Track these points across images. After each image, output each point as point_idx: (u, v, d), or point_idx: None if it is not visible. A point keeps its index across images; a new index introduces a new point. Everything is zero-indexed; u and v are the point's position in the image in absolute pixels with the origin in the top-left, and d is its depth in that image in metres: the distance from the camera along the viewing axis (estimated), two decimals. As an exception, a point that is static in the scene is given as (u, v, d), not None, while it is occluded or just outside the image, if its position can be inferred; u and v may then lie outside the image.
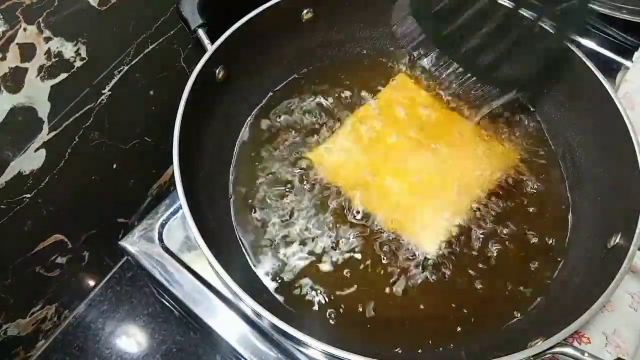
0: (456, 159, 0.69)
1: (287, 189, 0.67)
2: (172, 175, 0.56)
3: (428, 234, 0.64)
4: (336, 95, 0.74)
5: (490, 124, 0.72)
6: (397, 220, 0.64)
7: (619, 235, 0.56)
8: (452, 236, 0.64)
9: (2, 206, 0.73)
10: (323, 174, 0.67)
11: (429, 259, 0.62)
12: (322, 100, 0.73)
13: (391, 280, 0.61)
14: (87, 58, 0.72)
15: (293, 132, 0.71)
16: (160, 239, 0.69)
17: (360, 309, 0.60)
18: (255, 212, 0.65)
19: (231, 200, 0.66)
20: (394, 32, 0.68)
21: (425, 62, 0.69)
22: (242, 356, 0.64)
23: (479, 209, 0.66)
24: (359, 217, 0.65)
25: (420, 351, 0.58)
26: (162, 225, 0.70)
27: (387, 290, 0.61)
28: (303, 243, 0.63)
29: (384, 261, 0.62)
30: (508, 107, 0.73)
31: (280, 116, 0.72)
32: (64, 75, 0.70)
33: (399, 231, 0.64)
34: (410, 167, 0.68)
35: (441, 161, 0.69)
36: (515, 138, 0.72)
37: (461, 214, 0.65)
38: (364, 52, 0.78)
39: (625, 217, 0.56)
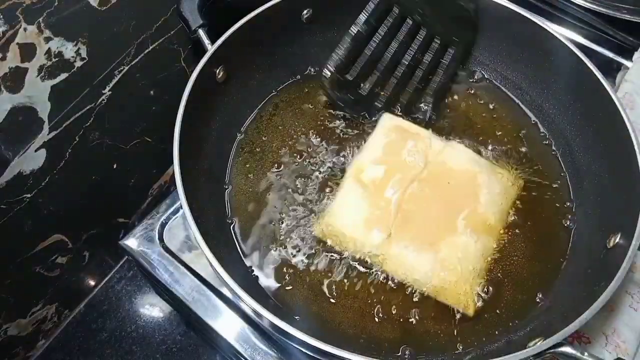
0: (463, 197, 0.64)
1: (290, 192, 0.67)
2: (173, 175, 0.57)
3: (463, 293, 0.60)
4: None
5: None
6: (428, 285, 0.60)
7: (619, 235, 0.57)
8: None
9: (3, 206, 0.73)
10: (338, 247, 0.63)
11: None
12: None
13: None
14: (87, 58, 0.72)
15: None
16: (161, 239, 0.70)
17: (362, 315, 0.60)
18: (256, 211, 0.65)
19: (231, 199, 0.66)
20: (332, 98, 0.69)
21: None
22: (242, 355, 0.64)
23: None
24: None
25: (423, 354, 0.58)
26: (163, 225, 0.71)
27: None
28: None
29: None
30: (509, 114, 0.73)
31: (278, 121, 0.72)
32: (64, 75, 0.70)
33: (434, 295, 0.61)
34: (423, 220, 0.63)
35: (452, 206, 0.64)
36: (515, 139, 0.72)
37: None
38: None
39: (625, 217, 0.56)
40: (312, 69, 0.76)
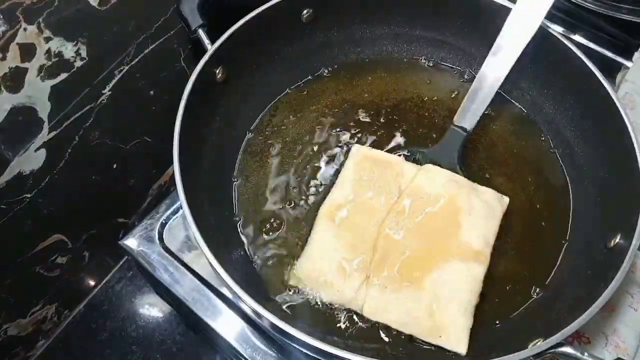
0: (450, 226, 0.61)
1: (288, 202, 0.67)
2: (172, 175, 0.56)
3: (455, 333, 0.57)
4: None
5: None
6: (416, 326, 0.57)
7: (619, 235, 0.56)
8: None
9: (3, 206, 0.73)
10: (315, 290, 0.60)
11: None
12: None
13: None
14: (87, 58, 0.72)
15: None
16: (161, 239, 0.70)
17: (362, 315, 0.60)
18: (256, 211, 0.65)
19: (232, 200, 0.66)
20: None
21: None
22: (242, 355, 0.64)
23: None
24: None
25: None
26: (163, 225, 0.71)
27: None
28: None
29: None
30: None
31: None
32: (64, 75, 0.70)
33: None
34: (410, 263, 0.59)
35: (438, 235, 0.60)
36: (514, 138, 0.72)
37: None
38: (364, 54, 0.78)
39: (625, 217, 0.56)
40: (312, 69, 0.76)
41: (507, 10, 0.67)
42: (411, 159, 0.69)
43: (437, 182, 0.64)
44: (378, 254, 0.59)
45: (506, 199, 0.65)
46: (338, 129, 0.72)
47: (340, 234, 0.61)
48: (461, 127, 0.68)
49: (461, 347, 0.56)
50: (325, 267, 0.59)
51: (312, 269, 0.60)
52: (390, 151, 0.70)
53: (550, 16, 0.82)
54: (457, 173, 0.66)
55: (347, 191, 0.64)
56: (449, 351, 0.57)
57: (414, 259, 0.59)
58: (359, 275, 0.59)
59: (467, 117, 0.68)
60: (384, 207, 0.62)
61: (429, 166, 0.66)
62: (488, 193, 0.64)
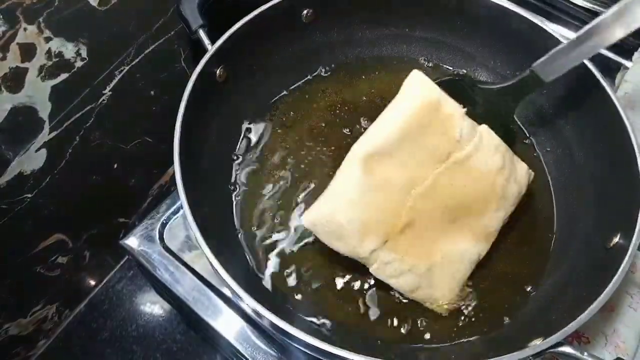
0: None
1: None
2: (173, 175, 0.57)
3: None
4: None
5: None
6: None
7: (619, 235, 0.57)
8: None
9: (3, 206, 0.73)
10: (327, 241, 0.57)
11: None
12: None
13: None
14: (87, 58, 0.72)
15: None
16: (161, 239, 0.70)
17: (362, 312, 0.60)
18: (256, 211, 0.65)
19: (232, 199, 0.66)
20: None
21: None
22: (242, 355, 0.64)
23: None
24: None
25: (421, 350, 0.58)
26: (163, 225, 0.71)
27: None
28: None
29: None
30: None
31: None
32: (64, 75, 0.70)
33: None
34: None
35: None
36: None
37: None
38: (363, 55, 0.78)
39: (625, 217, 0.56)
40: (313, 69, 0.76)
41: (507, 10, 0.67)
42: (473, 93, 0.62)
43: (488, 154, 0.58)
44: (402, 221, 0.55)
45: (531, 173, 0.63)
46: (338, 129, 0.72)
47: (370, 187, 0.54)
48: (538, 76, 0.61)
49: (444, 311, 0.59)
50: (344, 220, 0.54)
51: (330, 220, 0.55)
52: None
53: (550, 16, 0.82)
54: (510, 125, 0.63)
55: (393, 137, 0.56)
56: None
57: (435, 231, 0.56)
58: (377, 239, 0.55)
59: (551, 68, 0.60)
60: (425, 169, 0.56)
61: (485, 131, 0.60)
62: (522, 169, 0.61)
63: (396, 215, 0.55)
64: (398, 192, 0.55)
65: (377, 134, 0.58)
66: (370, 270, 0.57)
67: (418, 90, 0.59)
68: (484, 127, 0.61)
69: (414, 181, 0.56)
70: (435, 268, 0.57)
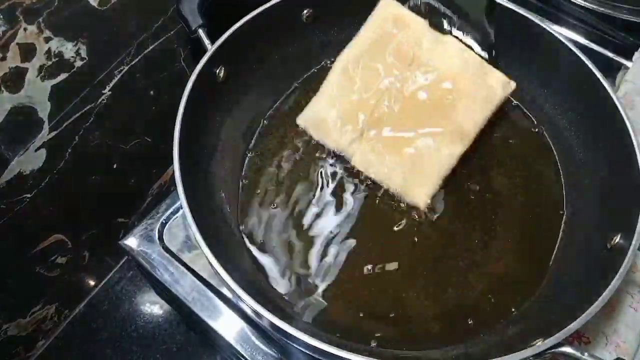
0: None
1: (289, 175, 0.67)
2: (173, 175, 0.56)
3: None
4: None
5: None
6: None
7: (619, 235, 0.56)
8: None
9: (3, 206, 0.73)
10: (315, 136, 0.67)
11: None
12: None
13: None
14: (87, 58, 0.72)
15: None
16: (161, 239, 0.70)
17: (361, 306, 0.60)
18: (256, 211, 0.65)
19: (232, 199, 0.66)
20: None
21: None
22: (242, 356, 0.64)
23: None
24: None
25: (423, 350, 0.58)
26: (163, 225, 0.71)
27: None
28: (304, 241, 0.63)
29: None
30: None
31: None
32: (64, 75, 0.70)
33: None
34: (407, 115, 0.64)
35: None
36: (514, 137, 0.72)
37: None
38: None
39: (625, 217, 0.56)
40: (313, 69, 0.76)
41: (507, 11, 0.67)
42: (442, 19, 0.67)
43: (451, 59, 0.65)
44: (374, 116, 0.64)
45: (513, 84, 0.66)
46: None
47: (348, 86, 0.66)
48: None
49: (421, 204, 0.63)
50: (326, 114, 0.66)
51: (316, 116, 0.66)
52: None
53: (550, 16, 0.82)
54: (487, 50, 0.66)
55: (365, 47, 0.66)
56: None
57: (405, 127, 0.64)
58: (354, 129, 0.65)
59: None
60: (394, 71, 0.65)
61: (449, 39, 0.66)
62: (495, 77, 0.65)
63: (369, 109, 0.65)
64: (372, 92, 0.65)
65: (352, 46, 0.68)
66: (352, 162, 0.65)
67: (383, 9, 0.68)
68: (450, 37, 0.67)
69: (383, 82, 0.65)
70: (409, 161, 0.63)
